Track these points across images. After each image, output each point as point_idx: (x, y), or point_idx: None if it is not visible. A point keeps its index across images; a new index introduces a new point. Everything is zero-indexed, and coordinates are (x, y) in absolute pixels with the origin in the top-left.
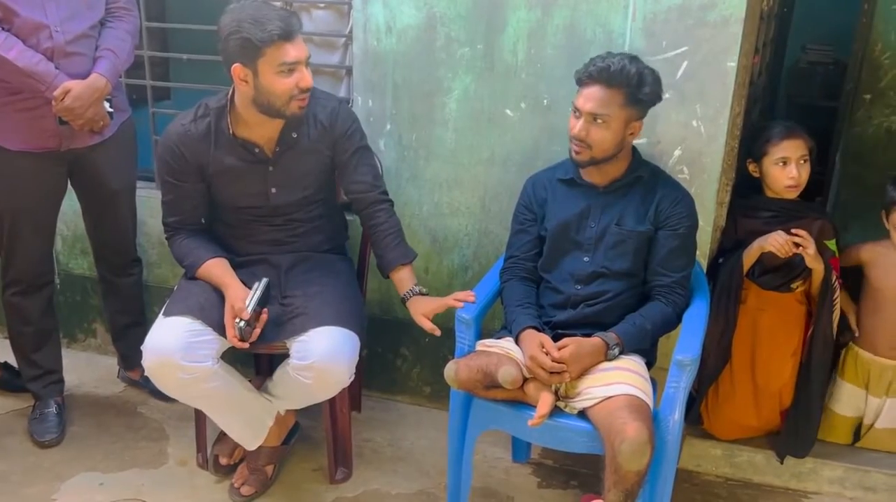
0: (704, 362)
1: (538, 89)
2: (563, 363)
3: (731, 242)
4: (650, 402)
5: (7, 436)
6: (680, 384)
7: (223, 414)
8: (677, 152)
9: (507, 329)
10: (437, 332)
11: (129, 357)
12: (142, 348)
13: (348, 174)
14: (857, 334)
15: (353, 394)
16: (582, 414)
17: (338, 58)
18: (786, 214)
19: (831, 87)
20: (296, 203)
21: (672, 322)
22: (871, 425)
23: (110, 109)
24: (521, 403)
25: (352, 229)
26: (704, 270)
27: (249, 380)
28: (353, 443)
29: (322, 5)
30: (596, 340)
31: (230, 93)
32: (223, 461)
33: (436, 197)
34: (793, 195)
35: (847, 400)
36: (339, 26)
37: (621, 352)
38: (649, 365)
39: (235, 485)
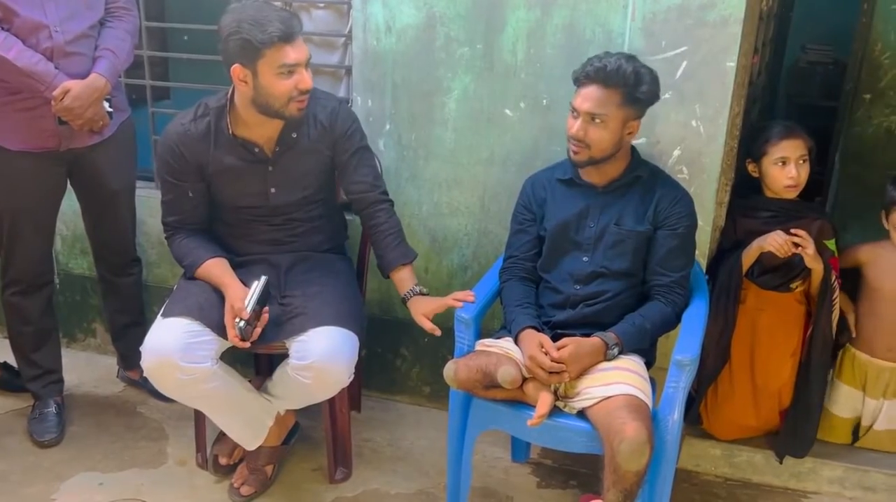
0: (703, 362)
1: (537, 89)
2: (562, 363)
3: (730, 242)
4: (649, 402)
5: (7, 436)
6: (679, 384)
7: (223, 414)
8: (676, 152)
9: (507, 329)
10: (438, 332)
11: (129, 357)
12: (141, 349)
13: (348, 174)
14: (854, 335)
15: (353, 394)
16: (581, 413)
17: (337, 57)
18: (785, 214)
19: (831, 86)
20: (295, 203)
21: (671, 322)
22: (870, 426)
23: (110, 109)
24: (521, 403)
25: (351, 229)
26: (704, 270)
27: (249, 380)
28: (352, 443)
29: (322, 5)
30: (595, 340)
31: (230, 92)
32: (223, 461)
33: (435, 197)
34: (792, 195)
35: (844, 401)
36: (339, 26)
37: (620, 352)
38: (648, 364)
39: (235, 485)
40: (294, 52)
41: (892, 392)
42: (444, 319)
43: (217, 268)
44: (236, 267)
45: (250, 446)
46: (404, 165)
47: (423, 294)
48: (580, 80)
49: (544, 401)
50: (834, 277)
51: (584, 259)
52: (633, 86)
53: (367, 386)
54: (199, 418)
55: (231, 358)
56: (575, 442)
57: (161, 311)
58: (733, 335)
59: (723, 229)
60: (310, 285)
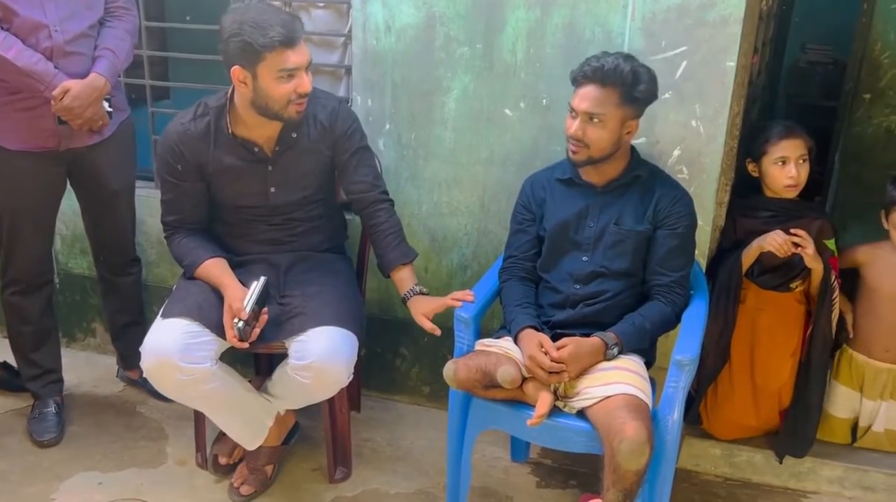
0: (703, 362)
1: (537, 89)
2: (561, 363)
3: (730, 242)
4: (649, 402)
5: (6, 436)
6: (679, 383)
7: (222, 414)
8: (676, 152)
9: (506, 328)
10: (438, 332)
11: (129, 356)
12: (140, 349)
13: (348, 174)
14: (850, 335)
15: (353, 394)
16: (581, 413)
17: (337, 57)
18: (785, 214)
19: (831, 86)
20: (295, 203)
21: (671, 321)
22: (868, 427)
23: (109, 109)
24: (520, 403)
25: (351, 229)
26: (704, 270)
27: (249, 380)
28: (352, 443)
29: (321, 4)
30: (595, 340)
31: (230, 92)
32: (222, 460)
33: (435, 196)
34: (792, 195)
35: (842, 402)
36: (339, 25)
37: (620, 352)
38: (648, 364)
39: (235, 485)
40: (295, 56)
41: (890, 393)
42: (444, 319)
43: (216, 268)
44: (236, 266)
45: (250, 446)
46: (404, 165)
47: (423, 294)
48: (578, 79)
49: (544, 401)
50: (834, 277)
51: (584, 259)
52: (630, 85)
53: (366, 386)
54: (198, 418)
55: (231, 358)
56: (575, 442)
57: (160, 312)
58: (733, 335)
59: (723, 229)
60: (309, 285)
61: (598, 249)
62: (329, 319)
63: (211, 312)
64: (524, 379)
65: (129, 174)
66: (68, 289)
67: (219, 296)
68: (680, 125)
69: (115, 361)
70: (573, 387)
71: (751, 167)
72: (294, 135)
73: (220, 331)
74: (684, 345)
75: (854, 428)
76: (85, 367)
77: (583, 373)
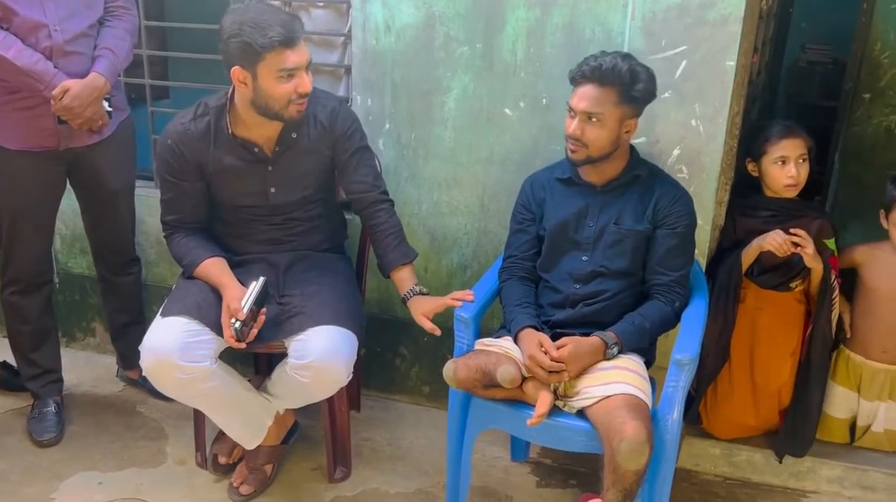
0: (703, 361)
1: (537, 88)
2: (561, 362)
3: (729, 241)
4: (649, 401)
5: (6, 436)
6: (679, 383)
7: (222, 413)
8: (676, 151)
9: (506, 328)
10: (438, 332)
11: (128, 356)
12: (140, 348)
13: (348, 174)
14: (848, 335)
15: (352, 394)
16: (581, 413)
17: (337, 57)
18: (785, 213)
19: (830, 86)
20: (295, 202)
21: (671, 321)
22: (867, 427)
23: (109, 108)
24: (520, 402)
25: (351, 228)
26: (703, 269)
27: (249, 380)
28: (351, 443)
29: (321, 4)
30: (594, 339)
31: (230, 92)
32: (222, 460)
33: (435, 196)
34: (792, 194)
35: (840, 402)
36: (338, 25)
37: (620, 352)
38: (648, 364)
39: (234, 484)
40: (294, 56)
41: (889, 394)
42: (444, 319)
43: (215, 268)
44: (235, 266)
45: (250, 445)
46: (404, 164)
47: (422, 293)
48: (576, 79)
49: (544, 401)
50: (833, 276)
51: (584, 258)
52: (628, 84)
53: (366, 386)
54: (198, 417)
55: (230, 357)
56: (574, 442)
57: (160, 311)
58: (733, 334)
59: (722, 228)
60: (309, 284)
61: (597, 249)
62: (328, 319)
63: (210, 311)
64: (524, 379)
65: (128, 174)
66: (68, 289)
67: (218, 295)
68: (680, 124)
69: (114, 361)
70: (573, 387)
71: (750, 167)
72: (294, 136)
73: (219, 330)
74: (684, 345)
75: (852, 427)
76: (84, 367)
77: (582, 372)
